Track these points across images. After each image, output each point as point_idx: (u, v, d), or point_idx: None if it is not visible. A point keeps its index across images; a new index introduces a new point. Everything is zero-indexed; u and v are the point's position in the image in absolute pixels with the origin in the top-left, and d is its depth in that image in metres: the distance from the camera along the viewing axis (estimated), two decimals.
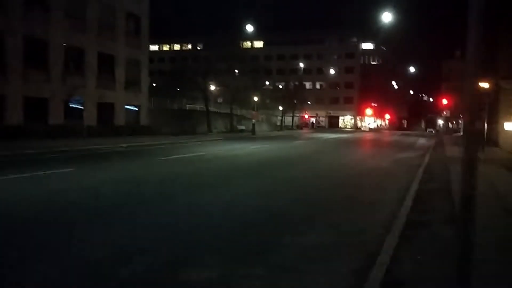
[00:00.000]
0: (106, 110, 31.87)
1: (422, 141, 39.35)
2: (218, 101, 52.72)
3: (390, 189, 10.74)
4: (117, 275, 4.49)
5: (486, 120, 24.07)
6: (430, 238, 5.87)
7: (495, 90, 26.08)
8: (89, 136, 26.32)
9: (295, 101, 63.18)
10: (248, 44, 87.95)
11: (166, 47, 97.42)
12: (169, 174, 12.35)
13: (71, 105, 26.14)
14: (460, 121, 76.93)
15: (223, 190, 9.77)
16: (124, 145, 22.81)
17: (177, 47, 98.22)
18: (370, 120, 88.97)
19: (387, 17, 26.76)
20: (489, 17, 31.38)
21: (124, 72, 33.43)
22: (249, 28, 33.27)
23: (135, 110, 34.95)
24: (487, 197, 8.74)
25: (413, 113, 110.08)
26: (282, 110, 62.51)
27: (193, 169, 13.75)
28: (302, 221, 7.09)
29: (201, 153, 19.01)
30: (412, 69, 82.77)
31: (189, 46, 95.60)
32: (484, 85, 22.81)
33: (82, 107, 27.79)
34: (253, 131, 41.73)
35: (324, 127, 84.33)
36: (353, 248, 5.64)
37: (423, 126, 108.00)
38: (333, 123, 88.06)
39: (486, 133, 32.25)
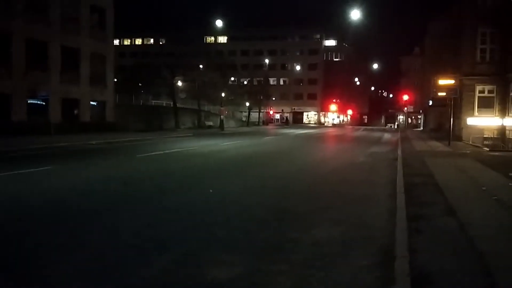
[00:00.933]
0: (71, 106, 30.86)
1: (387, 135, 40.39)
2: (182, 97, 51.90)
3: (376, 183, 10.92)
4: (137, 274, 4.33)
5: (452, 116, 24.95)
6: (437, 230, 5.97)
7: (459, 87, 27.01)
8: (54, 133, 25.42)
9: (261, 97, 63.29)
10: (211, 39, 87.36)
11: (127, 42, 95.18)
12: (155, 171, 12.08)
13: (36, 101, 25.04)
14: (419, 117, 79.47)
15: (216, 186, 9.61)
16: (93, 142, 22.15)
17: (138, 41, 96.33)
18: (333, 116, 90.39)
19: (355, 14, 27.32)
20: (451, 17, 32.44)
21: (89, 66, 32.42)
22: (218, 23, 33.01)
23: (98, 106, 33.95)
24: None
25: (373, 109, 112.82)
26: (249, 106, 62.48)
27: (177, 166, 13.48)
28: (304, 217, 7.07)
29: (177, 149, 18.70)
30: (373, 66, 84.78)
31: (151, 41, 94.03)
32: (450, 81, 23.59)
33: (44, 103, 26.85)
34: (221, 127, 41.51)
35: (289, 122, 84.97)
36: (365, 242, 5.67)
37: (383, 122, 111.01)
38: (297, 119, 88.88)
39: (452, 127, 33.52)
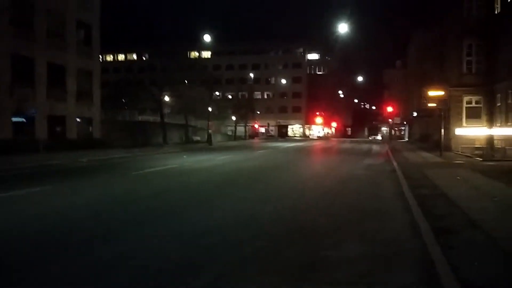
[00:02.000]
0: (57, 123, 30.26)
1: (375, 147, 40.64)
2: (167, 112, 51.49)
3: (384, 196, 10.80)
4: None
5: (445, 126, 25.21)
6: (469, 244, 5.86)
7: (447, 98, 27.39)
8: (41, 151, 24.78)
9: (248, 111, 63.33)
10: (195, 54, 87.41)
11: (109, 57, 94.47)
12: (156, 188, 11.75)
13: (19, 119, 24.40)
14: (402, 128, 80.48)
15: (225, 204, 9.38)
16: (84, 159, 21.66)
17: (121, 57, 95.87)
18: (318, 129, 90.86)
19: (342, 28, 27.61)
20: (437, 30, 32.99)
21: (76, 83, 31.89)
22: (206, 38, 32.94)
23: (84, 122, 33.36)
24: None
25: (356, 121, 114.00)
26: (235, 120, 62.39)
27: (177, 183, 13.16)
28: (325, 233, 6.85)
29: (171, 165, 18.37)
30: (356, 78, 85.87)
31: (134, 56, 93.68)
32: (440, 92, 23.89)
33: (25, 121, 26.21)
34: (209, 142, 41.21)
35: (274, 136, 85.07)
36: (400, 258, 5.50)
37: (366, 134, 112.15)
38: (282, 132, 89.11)
39: (438, 138, 33.84)
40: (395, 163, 19.43)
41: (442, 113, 24.71)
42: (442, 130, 24.81)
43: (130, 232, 6.74)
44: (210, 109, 44.58)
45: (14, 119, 27.47)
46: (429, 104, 24.33)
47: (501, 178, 13.05)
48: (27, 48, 27.68)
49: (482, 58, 28.28)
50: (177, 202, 9.60)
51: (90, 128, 33.73)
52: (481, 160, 20.31)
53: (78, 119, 32.68)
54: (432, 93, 23.99)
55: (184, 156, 24.73)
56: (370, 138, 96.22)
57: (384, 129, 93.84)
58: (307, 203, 9.56)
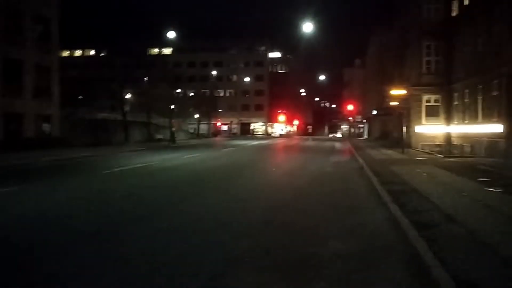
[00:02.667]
0: (13, 121, 28.97)
1: (337, 144, 41.41)
2: (126, 109, 50.35)
3: (358, 192, 11.04)
4: None
5: (406, 124, 26.00)
6: (450, 237, 6.07)
7: (408, 97, 28.29)
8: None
9: (210, 109, 62.96)
10: (155, 50, 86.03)
11: (65, 53, 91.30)
12: (130, 187, 11.50)
13: None
14: (361, 126, 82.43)
15: (201, 200, 9.30)
16: (45, 159, 20.87)
17: (78, 53, 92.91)
18: (280, 127, 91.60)
19: (307, 27, 27.86)
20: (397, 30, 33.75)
21: (34, 79, 30.63)
22: (171, 34, 32.44)
23: (42, 120, 32.12)
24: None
25: (317, 119, 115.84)
26: (198, 118, 61.87)
27: (151, 181, 12.92)
28: (308, 231, 6.93)
29: (140, 164, 18.00)
30: (317, 77, 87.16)
31: (92, 52, 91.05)
32: (402, 91, 24.62)
33: None
34: (173, 140, 40.66)
35: (237, 134, 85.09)
36: (387, 253, 5.65)
37: (326, 131, 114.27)
38: (245, 130, 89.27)
39: (398, 136, 34.83)
40: (361, 160, 19.84)
41: (404, 112, 25.45)
42: (404, 128, 25.56)
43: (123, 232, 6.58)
44: (172, 106, 43.95)
45: None
46: (391, 103, 25.04)
47: (464, 174, 13.64)
48: None
49: (440, 58, 29.36)
50: (156, 201, 9.40)
51: (49, 126, 32.50)
52: (442, 157, 21.11)
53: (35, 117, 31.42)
54: (394, 92, 24.69)
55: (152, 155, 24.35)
56: (330, 135, 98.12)
57: (344, 127, 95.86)
58: (284, 201, 9.60)
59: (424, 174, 13.93)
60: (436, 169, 15.41)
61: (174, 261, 5.18)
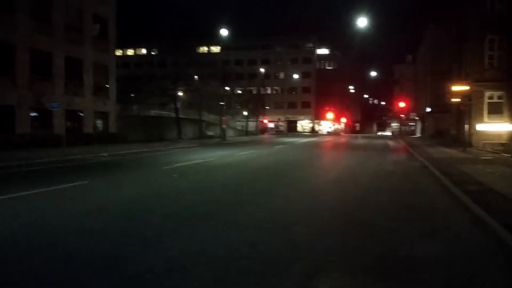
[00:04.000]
0: (74, 117, 30.18)
1: (391, 143, 40.33)
2: (180, 107, 51.25)
3: (432, 192, 10.57)
4: None
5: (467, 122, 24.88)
6: None
7: (470, 93, 27.02)
8: (60, 146, 24.67)
9: (260, 106, 63.12)
10: (204, 49, 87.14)
11: (118, 53, 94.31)
12: (196, 183, 11.58)
13: (50, 109, 24.24)
14: (413, 124, 79.82)
15: (276, 198, 9.17)
16: (105, 154, 21.53)
17: (130, 52, 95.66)
18: (327, 124, 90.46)
19: (361, 22, 27.19)
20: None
21: (92, 77, 31.77)
22: (223, 32, 32.67)
23: (100, 117, 33.22)
24: None
25: (365, 117, 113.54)
26: (247, 115, 62.17)
27: (214, 178, 12.95)
28: (392, 231, 6.67)
29: (197, 160, 18.18)
30: (366, 74, 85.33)
31: (143, 51, 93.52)
32: (464, 87, 23.54)
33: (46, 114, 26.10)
34: (223, 137, 41.05)
35: (283, 131, 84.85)
36: (484, 260, 5.31)
37: (374, 129, 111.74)
38: (291, 127, 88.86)
39: (456, 134, 33.43)
40: (422, 159, 19.15)
41: (466, 109, 24.36)
42: (466, 126, 24.46)
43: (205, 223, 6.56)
44: (223, 104, 44.34)
45: (51, 109, 27.15)
46: (452, 99, 23.95)
47: None
48: (45, 42, 27.57)
49: (504, 53, 27.93)
50: (231, 195, 9.35)
51: (106, 123, 33.61)
52: (510, 156, 20.00)
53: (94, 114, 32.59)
54: (455, 87, 23.63)
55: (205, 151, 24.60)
56: (378, 133, 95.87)
57: (394, 124, 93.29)
58: (355, 199, 9.32)
59: (497, 174, 13.18)
60: (507, 169, 14.57)
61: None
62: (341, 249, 5.53)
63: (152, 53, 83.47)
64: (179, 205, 8.32)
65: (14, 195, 8.96)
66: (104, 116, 33.47)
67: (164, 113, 45.61)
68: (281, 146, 31.43)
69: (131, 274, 4.46)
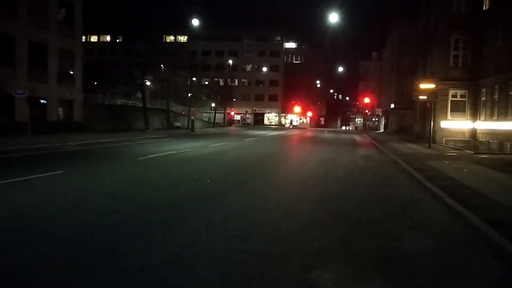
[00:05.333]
0: (37, 105, 29.06)
1: (357, 137, 41.09)
2: (139, 96, 50.23)
3: (408, 187, 10.82)
4: None
5: (432, 119, 25.66)
6: None
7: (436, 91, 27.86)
8: (23, 134, 23.75)
9: (225, 98, 62.86)
10: (171, 38, 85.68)
11: (85, 38, 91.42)
12: (175, 173, 11.44)
13: (14, 96, 23.23)
14: (375, 119, 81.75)
15: (256, 188, 9.20)
16: (72, 143, 20.91)
17: (93, 38, 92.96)
18: (293, 118, 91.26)
19: (333, 17, 27.52)
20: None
21: (57, 63, 30.69)
22: (195, 22, 32.23)
23: (65, 104, 32.18)
24: None
25: (329, 111, 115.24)
26: (215, 107, 61.83)
27: (191, 169, 12.80)
28: (377, 225, 6.84)
29: (172, 152, 17.94)
30: (332, 69, 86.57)
31: (107, 38, 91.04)
32: (431, 85, 24.23)
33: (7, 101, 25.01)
34: (192, 128, 40.70)
35: (250, 124, 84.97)
36: (471, 250, 5.53)
37: (339, 124, 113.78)
38: (258, 120, 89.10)
39: (420, 130, 34.51)
40: (390, 154, 19.64)
41: (432, 106, 25.16)
42: (432, 122, 25.27)
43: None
44: (191, 95, 43.89)
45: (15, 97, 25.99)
46: (420, 97, 24.62)
47: (504, 170, 13.43)
48: (8, 25, 26.38)
49: (468, 53, 28.94)
50: (208, 187, 9.31)
51: (71, 111, 32.60)
52: (472, 153, 20.82)
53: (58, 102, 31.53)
54: (423, 85, 24.30)
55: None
56: (342, 128, 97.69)
57: (358, 119, 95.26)
58: (334, 192, 9.47)
59: (465, 170, 13.70)
60: (474, 165, 15.15)
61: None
62: (331, 242, 5.62)
63: (118, 40, 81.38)
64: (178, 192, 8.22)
65: None
66: (69, 104, 32.48)
67: (131, 102, 44.71)
68: (251, 139, 31.45)
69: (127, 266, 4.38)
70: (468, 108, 28.95)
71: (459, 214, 7.42)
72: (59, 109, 31.65)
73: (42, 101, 29.61)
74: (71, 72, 32.61)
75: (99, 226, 5.92)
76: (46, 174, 10.30)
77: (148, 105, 42.61)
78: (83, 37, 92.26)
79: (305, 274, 4.36)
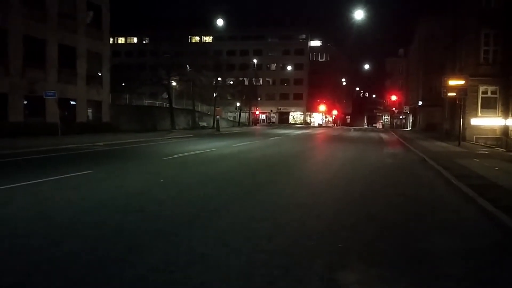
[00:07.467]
0: (67, 106, 29.80)
1: (384, 136, 40.48)
2: (165, 97, 50.84)
3: (435, 186, 10.62)
4: None
5: (461, 116, 25.05)
6: None
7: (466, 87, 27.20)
8: (54, 134, 24.38)
9: (250, 97, 62.97)
10: (197, 39, 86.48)
11: (112, 40, 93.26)
12: (200, 173, 11.52)
13: (45, 97, 23.91)
14: (402, 117, 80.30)
15: (288, 188, 9.16)
16: (101, 143, 21.33)
17: (121, 40, 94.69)
18: (319, 116, 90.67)
19: (359, 14, 27.14)
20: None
21: (86, 65, 31.36)
22: (219, 22, 32.40)
23: (93, 105, 32.83)
24: None
25: (355, 109, 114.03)
26: (240, 106, 62.01)
27: (219, 167, 12.86)
28: (404, 225, 6.71)
29: (198, 151, 18.08)
30: (358, 67, 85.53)
31: (134, 40, 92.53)
32: (460, 82, 23.66)
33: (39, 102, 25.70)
34: (217, 128, 40.91)
35: (275, 123, 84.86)
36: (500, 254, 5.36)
37: (365, 122, 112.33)
38: (283, 119, 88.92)
39: (449, 128, 33.70)
40: (419, 152, 19.28)
41: (461, 103, 24.56)
42: (461, 120, 24.67)
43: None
44: (216, 94, 44.13)
45: (45, 98, 26.73)
46: (449, 93, 24.05)
47: None
48: (39, 29, 27.11)
49: (499, 48, 28.15)
50: (242, 185, 9.32)
51: (99, 112, 33.26)
52: (504, 151, 20.23)
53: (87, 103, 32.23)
54: (452, 82, 23.75)
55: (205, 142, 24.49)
56: (369, 126, 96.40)
57: (385, 117, 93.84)
58: (364, 191, 9.33)
59: (496, 168, 13.31)
60: (506, 163, 14.74)
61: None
62: (357, 242, 5.53)
63: (144, 41, 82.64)
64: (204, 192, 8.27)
65: (15, 185, 8.75)
66: (97, 105, 33.13)
67: (157, 102, 45.29)
68: (276, 138, 31.38)
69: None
70: (500, 104, 28.14)
71: (490, 215, 7.22)
72: (88, 110, 32.36)
73: (71, 102, 30.36)
74: (99, 74, 33.28)
75: (126, 224, 6.00)
76: (75, 174, 10.52)
77: (174, 105, 43.06)
78: (111, 39, 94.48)
79: (330, 275, 4.30)
